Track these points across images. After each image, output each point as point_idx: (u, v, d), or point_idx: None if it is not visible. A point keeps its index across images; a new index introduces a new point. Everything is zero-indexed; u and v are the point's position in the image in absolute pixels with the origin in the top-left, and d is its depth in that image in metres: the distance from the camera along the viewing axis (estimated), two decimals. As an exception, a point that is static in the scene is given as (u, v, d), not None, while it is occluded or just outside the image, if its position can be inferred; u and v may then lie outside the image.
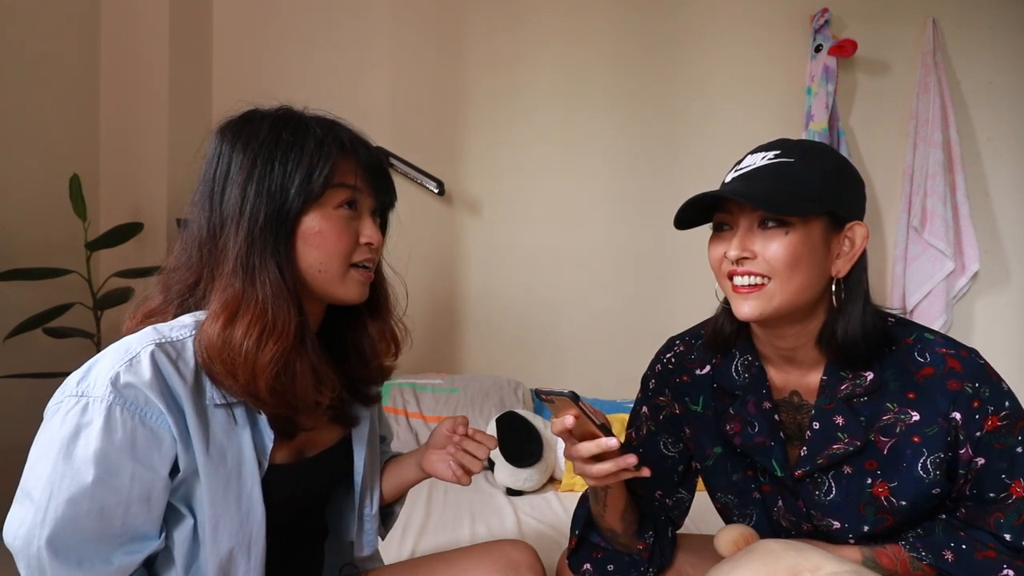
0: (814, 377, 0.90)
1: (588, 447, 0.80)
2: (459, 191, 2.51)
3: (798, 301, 0.83)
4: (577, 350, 2.54)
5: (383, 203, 0.86)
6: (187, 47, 2.37)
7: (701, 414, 0.98)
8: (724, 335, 0.96)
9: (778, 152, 0.84)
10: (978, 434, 0.83)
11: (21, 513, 0.69)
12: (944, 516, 0.90)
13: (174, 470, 0.73)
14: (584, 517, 1.04)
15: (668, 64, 2.52)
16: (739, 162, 0.88)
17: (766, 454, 0.91)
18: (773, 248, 0.81)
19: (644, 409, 1.07)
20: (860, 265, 0.86)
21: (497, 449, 1.86)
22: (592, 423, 0.79)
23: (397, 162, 2.38)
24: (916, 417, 0.85)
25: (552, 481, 1.95)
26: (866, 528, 0.88)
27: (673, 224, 0.90)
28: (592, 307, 2.54)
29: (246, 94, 2.76)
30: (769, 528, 0.96)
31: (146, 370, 0.70)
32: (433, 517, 1.64)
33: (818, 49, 2.42)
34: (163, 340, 0.73)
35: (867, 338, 0.85)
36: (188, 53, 2.37)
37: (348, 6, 2.48)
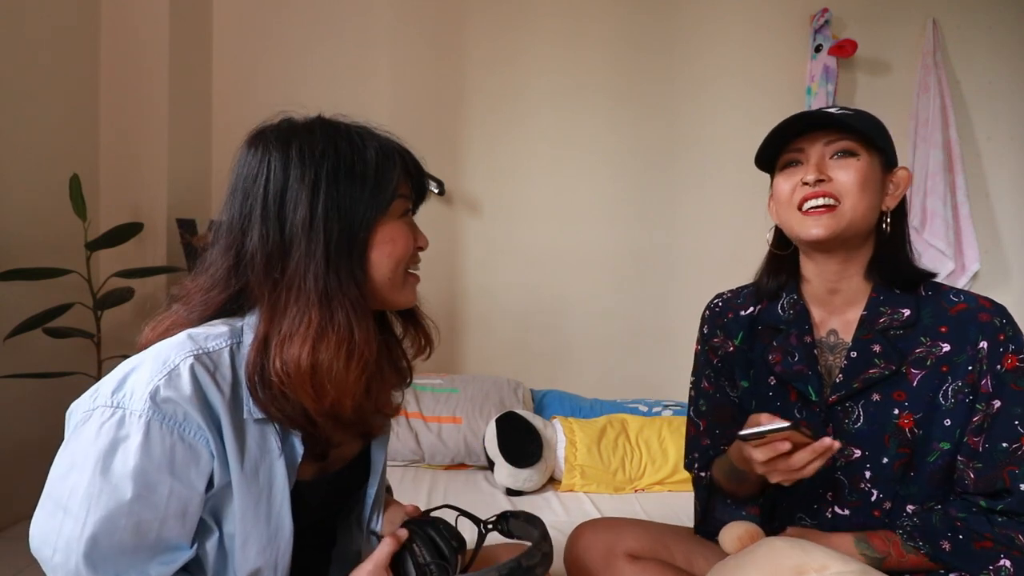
0: (853, 314, 0.99)
1: (805, 456, 0.83)
2: (459, 191, 2.51)
3: (861, 224, 0.93)
4: (577, 350, 2.54)
5: (418, 205, 0.89)
6: (187, 47, 2.37)
7: (737, 347, 1.09)
8: (773, 285, 1.07)
9: (843, 108, 0.97)
10: (998, 367, 0.90)
11: (57, 525, 0.68)
12: (940, 507, 0.92)
13: (208, 484, 0.72)
14: (705, 500, 1.12)
15: (668, 64, 2.51)
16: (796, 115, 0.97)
17: (803, 380, 0.98)
18: (846, 173, 0.93)
19: (704, 357, 1.15)
20: (902, 208, 0.99)
21: (497, 449, 1.86)
22: (803, 436, 0.83)
23: (397, 162, 2.38)
24: (947, 348, 0.93)
25: (552, 481, 1.95)
26: (885, 460, 0.94)
27: (755, 163, 1.04)
28: (592, 307, 2.54)
29: (246, 94, 2.77)
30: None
31: (186, 385, 0.68)
32: (433, 517, 1.63)
33: (818, 49, 2.42)
34: (200, 351, 0.71)
35: (910, 264, 0.97)
36: (188, 53, 2.37)
37: (348, 7, 2.48)
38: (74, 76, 2.20)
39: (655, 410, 2.23)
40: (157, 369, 0.69)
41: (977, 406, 0.90)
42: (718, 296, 1.16)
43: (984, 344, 0.90)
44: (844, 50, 2.36)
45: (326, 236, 0.71)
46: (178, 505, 0.69)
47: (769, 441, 0.83)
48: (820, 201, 0.92)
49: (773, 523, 1.04)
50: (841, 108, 0.97)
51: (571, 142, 2.52)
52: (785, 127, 0.95)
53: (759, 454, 0.84)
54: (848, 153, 0.93)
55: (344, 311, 0.71)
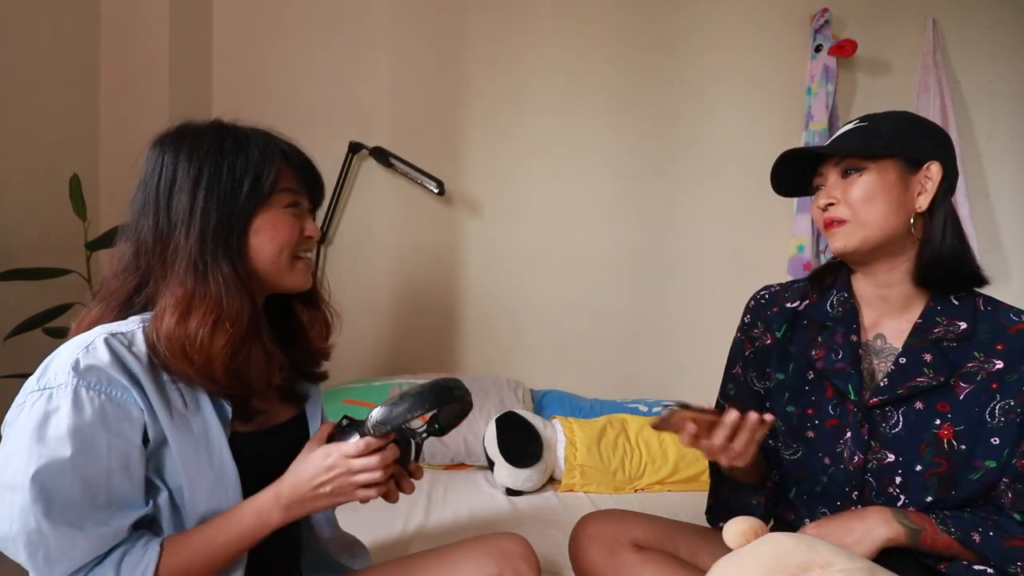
0: (907, 320, 1.00)
1: (721, 433, 0.89)
2: (459, 191, 2.51)
3: (880, 234, 0.95)
4: (577, 350, 2.54)
5: (315, 202, 0.98)
6: (187, 47, 2.37)
7: (777, 340, 1.10)
8: (827, 273, 1.09)
9: (859, 121, 1.01)
10: None
11: (9, 501, 0.72)
12: (971, 511, 0.92)
13: (144, 440, 0.78)
14: (716, 482, 1.15)
15: (668, 64, 2.51)
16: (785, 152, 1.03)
17: (845, 379, 0.99)
18: (852, 191, 0.96)
19: (740, 346, 1.16)
20: (940, 201, 0.97)
21: (497, 449, 1.86)
22: (708, 414, 0.88)
23: (397, 162, 2.38)
24: (1000, 365, 0.92)
25: (552, 481, 1.95)
26: (918, 468, 0.93)
27: (773, 189, 1.07)
28: (592, 307, 2.54)
29: (246, 94, 2.77)
30: (812, 468, 1.02)
31: (104, 354, 0.76)
32: (432, 517, 1.63)
33: (818, 49, 2.42)
34: (114, 331, 0.80)
35: (954, 262, 0.95)
36: (188, 53, 2.37)
37: (348, 7, 2.48)
38: (74, 76, 2.20)
39: (655, 410, 2.23)
40: (75, 348, 0.77)
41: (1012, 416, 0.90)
42: (765, 288, 1.17)
43: None
44: (844, 50, 2.36)
45: (203, 221, 0.82)
46: (119, 458, 0.75)
47: (677, 428, 0.88)
48: (834, 221, 0.98)
49: (793, 516, 1.05)
50: (859, 120, 1.01)
51: (571, 142, 2.52)
52: (780, 163, 1.03)
53: (680, 439, 0.90)
54: (854, 170, 0.97)
55: (217, 286, 0.81)
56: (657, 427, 0.89)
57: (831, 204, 0.98)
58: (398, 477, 0.90)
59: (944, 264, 0.96)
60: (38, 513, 0.70)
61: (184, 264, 0.81)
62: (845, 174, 0.98)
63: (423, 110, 2.50)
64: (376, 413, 0.82)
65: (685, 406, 0.87)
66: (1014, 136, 2.50)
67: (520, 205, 2.52)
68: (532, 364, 2.51)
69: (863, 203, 0.95)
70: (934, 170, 0.96)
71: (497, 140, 2.51)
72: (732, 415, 0.88)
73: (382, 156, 2.38)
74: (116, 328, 0.80)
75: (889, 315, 1.00)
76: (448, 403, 0.88)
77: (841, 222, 0.97)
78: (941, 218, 0.96)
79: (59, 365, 0.76)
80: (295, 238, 0.89)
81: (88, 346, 0.76)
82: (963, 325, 0.95)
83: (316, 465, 0.82)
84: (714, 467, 1.14)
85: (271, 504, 0.81)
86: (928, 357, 0.94)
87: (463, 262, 2.53)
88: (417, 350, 2.49)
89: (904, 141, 0.96)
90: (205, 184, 0.83)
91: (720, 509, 1.13)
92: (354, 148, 2.39)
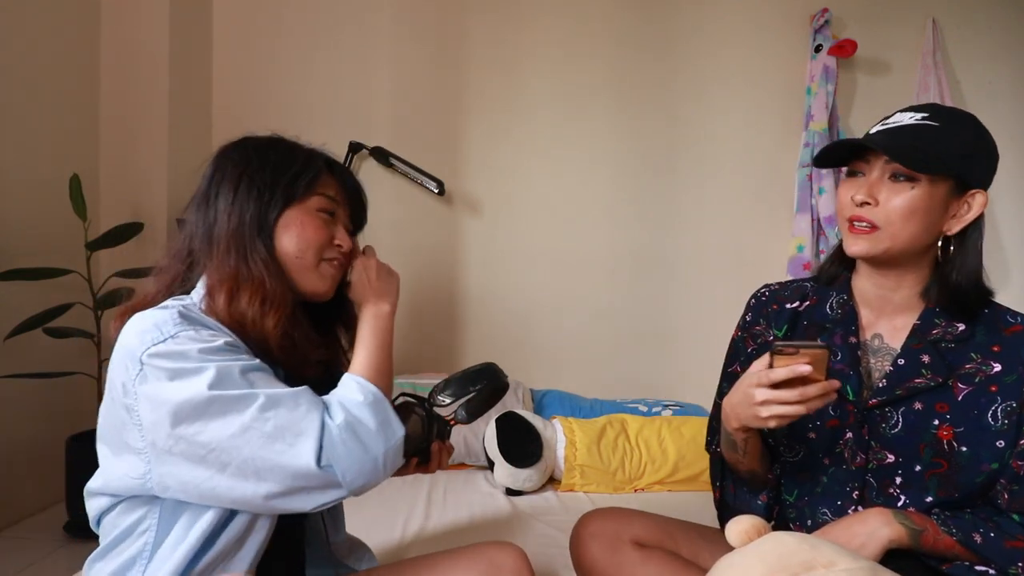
0: (904, 321, 0.98)
1: (815, 390, 0.84)
2: (459, 191, 2.51)
3: (906, 249, 0.92)
4: (577, 350, 2.54)
5: (357, 223, 1.02)
6: (187, 47, 2.37)
7: (777, 338, 1.08)
8: (832, 271, 1.06)
9: (926, 115, 0.92)
10: None
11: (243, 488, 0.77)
12: (971, 512, 0.92)
13: None
14: (719, 476, 1.12)
15: (668, 64, 2.51)
16: (887, 118, 0.95)
17: (844, 380, 0.96)
18: (895, 200, 0.90)
19: (741, 344, 1.14)
20: (974, 227, 0.94)
21: (497, 449, 1.86)
22: (824, 372, 0.84)
23: (397, 162, 2.38)
24: (997, 368, 0.91)
25: (552, 481, 1.95)
26: (918, 468, 0.93)
27: (812, 162, 1.02)
28: (592, 307, 2.54)
29: (246, 95, 2.77)
30: (813, 469, 1.01)
31: (187, 313, 0.83)
32: (432, 518, 1.64)
33: (818, 49, 2.42)
34: (184, 303, 0.85)
35: (970, 292, 0.93)
36: (188, 53, 2.37)
37: (348, 7, 2.48)
38: (74, 76, 2.20)
39: (655, 410, 2.23)
40: (160, 313, 0.82)
41: (1023, 429, 0.89)
42: (765, 286, 1.15)
43: None
44: (844, 50, 2.36)
45: (241, 207, 0.88)
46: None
47: (795, 362, 0.84)
48: (863, 223, 0.93)
49: (795, 516, 1.05)
50: (927, 114, 0.91)
51: (571, 142, 2.52)
52: (844, 143, 0.94)
53: (778, 373, 0.84)
54: (905, 177, 0.90)
55: (258, 268, 0.86)
56: (780, 350, 0.85)
57: (867, 203, 0.91)
58: (438, 453, 0.99)
59: (958, 290, 0.93)
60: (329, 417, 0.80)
61: (225, 244, 0.87)
62: (895, 177, 0.91)
63: (423, 110, 2.50)
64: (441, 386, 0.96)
65: (830, 353, 0.84)
66: (1014, 136, 2.50)
67: (520, 205, 2.53)
68: (532, 364, 2.51)
69: (903, 218, 0.90)
70: (979, 200, 0.93)
71: (497, 140, 2.51)
72: (836, 384, 0.85)
73: (382, 156, 2.38)
74: (182, 300, 0.87)
75: (888, 315, 1.00)
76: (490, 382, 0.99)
77: (871, 228, 0.91)
78: (968, 247, 0.94)
79: (161, 321, 0.79)
80: (322, 242, 0.92)
81: (175, 308, 0.82)
82: (961, 327, 0.94)
83: None
84: (719, 461, 1.12)
85: None
86: (926, 358, 0.94)
87: (463, 262, 2.53)
88: (417, 350, 2.49)
89: (965, 163, 0.91)
90: (248, 178, 0.89)
91: (724, 506, 1.12)
92: (354, 148, 2.39)
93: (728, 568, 0.84)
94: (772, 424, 0.87)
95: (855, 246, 0.94)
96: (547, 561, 1.31)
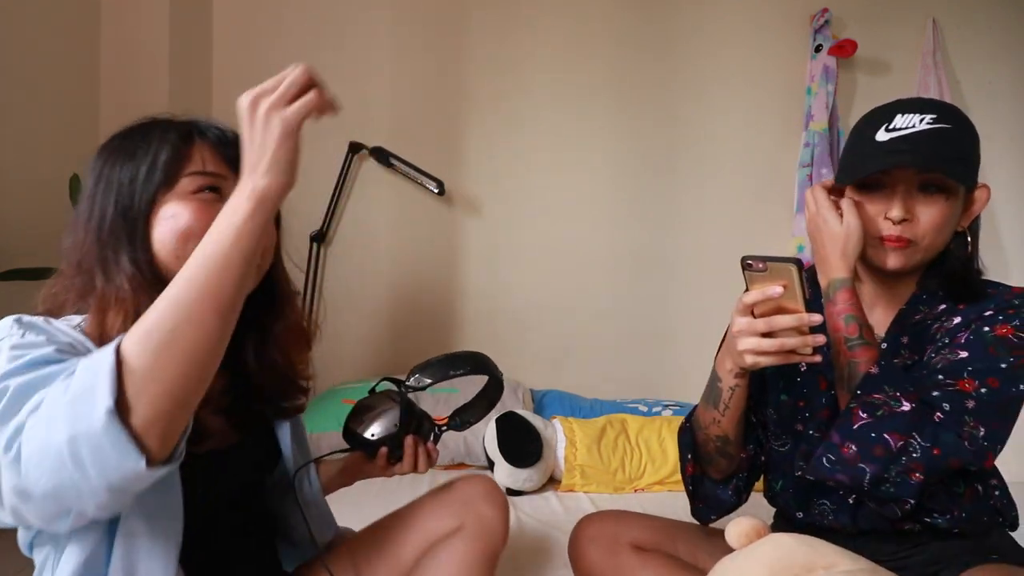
0: (892, 308, 0.99)
1: (787, 319, 0.81)
2: (459, 191, 2.51)
3: (933, 253, 0.93)
4: (577, 350, 2.54)
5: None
6: (187, 47, 2.37)
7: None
8: None
9: (935, 116, 0.89)
10: (986, 328, 0.87)
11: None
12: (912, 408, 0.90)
13: None
14: (691, 444, 1.09)
15: (668, 64, 2.51)
16: (889, 121, 0.91)
17: (832, 371, 0.96)
18: (930, 213, 0.89)
19: None
20: (975, 221, 0.96)
21: (497, 449, 1.86)
22: (800, 299, 0.81)
23: (397, 162, 2.38)
24: (957, 320, 0.91)
25: (552, 481, 1.95)
26: None
27: (838, 180, 0.98)
28: (592, 307, 2.54)
29: (246, 94, 2.71)
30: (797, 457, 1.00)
31: (43, 321, 0.74)
32: (433, 517, 1.63)
33: (818, 49, 2.42)
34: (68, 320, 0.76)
35: (964, 276, 0.94)
36: (188, 54, 2.37)
37: (348, 7, 2.48)
38: (74, 76, 2.20)
39: (655, 410, 2.23)
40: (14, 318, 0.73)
41: (945, 340, 0.90)
42: None
43: (989, 312, 0.89)
44: (844, 50, 2.36)
45: (99, 217, 0.77)
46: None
47: (767, 281, 0.82)
48: (901, 241, 0.91)
49: (783, 507, 1.05)
50: (933, 116, 0.88)
51: (571, 142, 2.52)
52: (875, 166, 0.90)
53: (749, 296, 0.84)
54: (938, 188, 0.89)
55: (122, 284, 0.75)
56: (750, 263, 0.83)
57: (906, 220, 0.89)
58: (412, 448, 0.96)
59: (953, 277, 0.95)
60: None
61: (88, 265, 0.77)
62: (925, 189, 0.90)
63: (423, 110, 2.50)
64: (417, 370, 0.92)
65: (800, 267, 0.80)
66: (1014, 136, 2.50)
67: (520, 205, 2.53)
68: (532, 364, 2.51)
69: (935, 229, 0.89)
70: (982, 195, 0.94)
71: (497, 140, 2.51)
72: (817, 318, 0.81)
73: (382, 156, 2.38)
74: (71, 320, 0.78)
75: (879, 305, 1.01)
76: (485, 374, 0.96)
77: (907, 243, 0.90)
78: (968, 237, 0.95)
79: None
80: (203, 227, 0.69)
81: (17, 317, 0.74)
82: (942, 307, 0.95)
83: None
84: (687, 428, 1.12)
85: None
86: (905, 339, 0.95)
87: (463, 262, 2.53)
88: (417, 350, 2.47)
89: (978, 164, 0.92)
90: (104, 179, 0.78)
91: (700, 503, 1.12)
92: (354, 148, 2.39)
93: (727, 570, 0.84)
94: (749, 361, 0.85)
95: (893, 261, 0.92)
96: (547, 561, 1.31)
